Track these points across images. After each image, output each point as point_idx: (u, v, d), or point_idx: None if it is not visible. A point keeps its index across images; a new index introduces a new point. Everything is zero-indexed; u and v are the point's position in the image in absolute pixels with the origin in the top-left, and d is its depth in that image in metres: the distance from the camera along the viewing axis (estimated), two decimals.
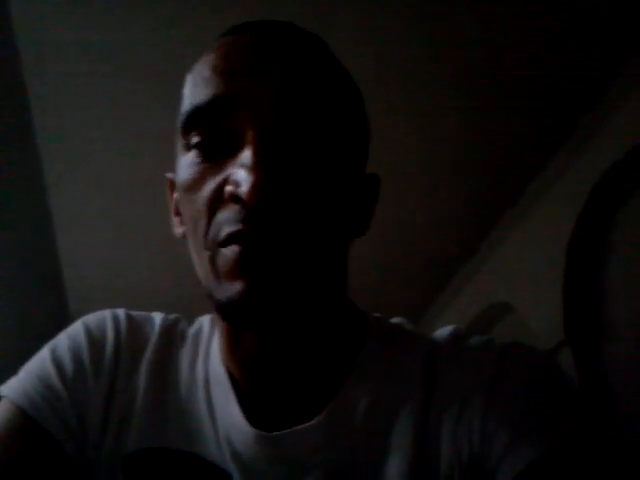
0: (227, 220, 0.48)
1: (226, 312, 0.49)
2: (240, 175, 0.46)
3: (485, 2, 1.78)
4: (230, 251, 0.47)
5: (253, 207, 0.46)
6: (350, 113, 0.55)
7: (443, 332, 0.59)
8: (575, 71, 2.03)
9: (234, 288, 0.47)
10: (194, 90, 0.52)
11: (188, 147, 0.52)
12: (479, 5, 1.79)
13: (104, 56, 1.87)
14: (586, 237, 2.39)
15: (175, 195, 0.57)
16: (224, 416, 0.55)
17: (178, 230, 0.57)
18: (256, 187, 0.45)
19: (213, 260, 0.49)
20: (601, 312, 2.38)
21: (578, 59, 1.99)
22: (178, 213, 0.56)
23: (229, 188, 0.47)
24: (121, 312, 0.62)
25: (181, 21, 1.80)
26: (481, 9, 1.80)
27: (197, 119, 0.51)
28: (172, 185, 0.58)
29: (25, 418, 0.53)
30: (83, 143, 2.21)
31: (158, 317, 0.63)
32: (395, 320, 0.62)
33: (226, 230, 0.47)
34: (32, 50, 1.82)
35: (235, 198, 0.47)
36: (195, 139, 0.51)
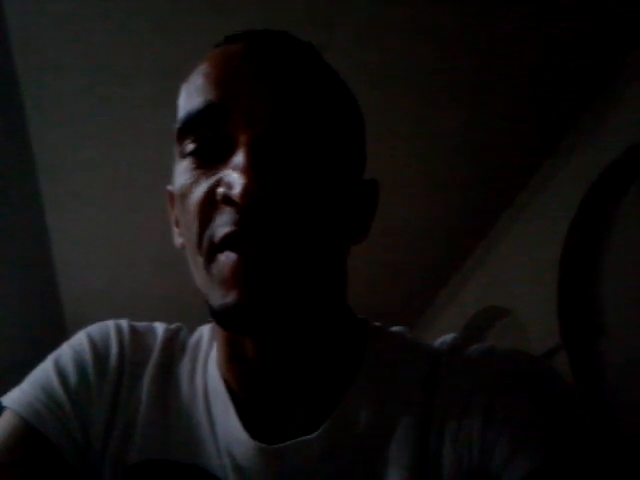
0: (220, 224, 0.48)
1: (222, 319, 0.49)
2: (232, 177, 0.46)
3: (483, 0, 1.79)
4: (225, 258, 0.47)
5: (245, 208, 0.46)
6: (344, 119, 0.55)
7: (444, 340, 0.59)
8: (572, 71, 2.04)
9: (230, 296, 0.47)
10: (188, 99, 0.53)
11: (183, 154, 0.52)
12: (476, 3, 1.79)
13: (102, 65, 1.87)
14: (581, 239, 2.40)
15: (175, 207, 0.57)
16: (224, 428, 0.54)
17: (178, 241, 0.58)
18: (248, 188, 0.45)
19: (208, 266, 0.49)
20: (596, 314, 2.39)
21: (574, 61, 1.99)
22: (178, 224, 0.57)
23: (221, 190, 0.47)
24: (124, 323, 0.62)
25: (183, 39, 1.80)
26: (479, 6, 1.80)
27: (191, 126, 0.51)
28: (172, 197, 0.58)
29: (29, 428, 0.53)
30: (79, 152, 2.20)
31: (160, 328, 0.63)
32: (395, 329, 0.62)
33: (220, 233, 0.47)
34: (28, 56, 1.82)
35: (227, 200, 0.47)
36: (190, 146, 0.51)
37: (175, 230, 0.58)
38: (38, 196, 2.36)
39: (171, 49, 1.82)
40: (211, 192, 0.49)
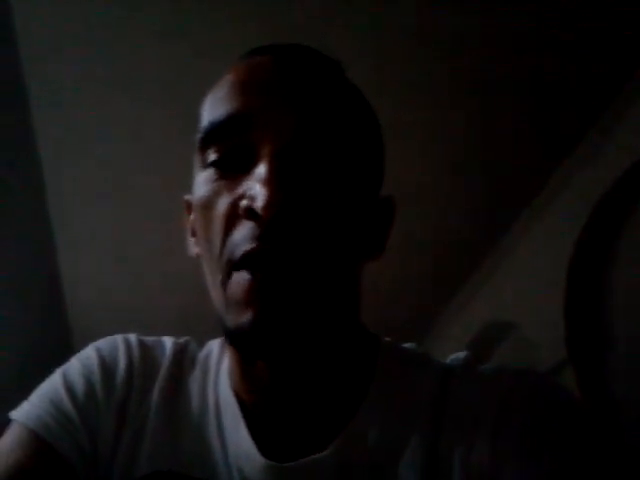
0: (242, 239, 0.47)
1: (235, 340, 0.49)
2: (256, 189, 0.46)
3: (490, 5, 1.78)
4: (241, 278, 0.47)
5: (268, 222, 0.46)
6: (365, 137, 0.55)
7: (456, 358, 0.59)
8: (581, 82, 2.03)
9: (244, 317, 0.46)
10: (212, 109, 0.53)
11: (205, 164, 0.52)
12: (483, 8, 1.79)
13: (107, 64, 1.87)
14: (588, 253, 2.39)
15: (191, 216, 0.57)
16: (234, 444, 0.54)
17: (193, 250, 0.57)
18: (271, 200, 0.45)
19: (225, 284, 0.48)
20: (604, 329, 2.37)
21: (584, 70, 1.98)
22: (194, 234, 0.56)
23: (244, 202, 0.47)
24: (133, 338, 0.62)
25: (186, 35, 1.80)
26: (485, 12, 1.80)
27: (214, 136, 0.51)
28: (189, 206, 0.58)
29: (39, 442, 0.53)
30: (86, 157, 2.20)
31: (169, 342, 0.63)
32: (406, 345, 0.62)
33: (241, 249, 0.47)
34: (31, 49, 1.82)
35: (250, 213, 0.46)
36: (212, 156, 0.51)
37: (191, 240, 0.58)
38: (44, 208, 2.36)
39: (172, 54, 1.82)
40: (234, 205, 0.49)
